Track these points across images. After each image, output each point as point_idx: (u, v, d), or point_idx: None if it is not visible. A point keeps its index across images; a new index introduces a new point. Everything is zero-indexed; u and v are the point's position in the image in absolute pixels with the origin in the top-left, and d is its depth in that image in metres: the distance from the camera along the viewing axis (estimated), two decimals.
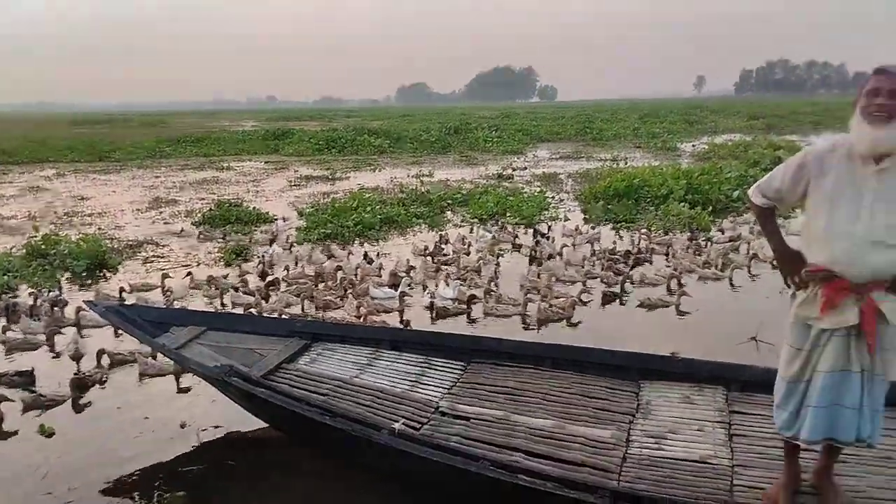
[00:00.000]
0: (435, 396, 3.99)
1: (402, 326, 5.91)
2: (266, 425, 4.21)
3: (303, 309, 6.71)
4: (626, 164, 18.65)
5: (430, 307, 6.71)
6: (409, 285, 7.34)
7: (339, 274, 7.82)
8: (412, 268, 7.96)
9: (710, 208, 11.24)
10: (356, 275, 7.77)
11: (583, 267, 7.90)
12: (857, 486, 3.08)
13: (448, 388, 4.09)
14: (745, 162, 16.22)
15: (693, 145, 24.53)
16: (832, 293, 2.67)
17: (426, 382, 4.15)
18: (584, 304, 6.77)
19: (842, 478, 3.13)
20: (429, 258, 8.61)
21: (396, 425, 3.38)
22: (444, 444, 3.30)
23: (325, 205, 12.29)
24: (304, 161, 23.03)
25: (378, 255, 9.00)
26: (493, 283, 7.38)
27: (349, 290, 7.21)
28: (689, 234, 9.69)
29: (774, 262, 3.09)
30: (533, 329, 6.27)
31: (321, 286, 7.39)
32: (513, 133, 31.09)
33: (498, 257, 8.67)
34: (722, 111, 46.50)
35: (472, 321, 6.56)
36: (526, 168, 19.44)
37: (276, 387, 3.84)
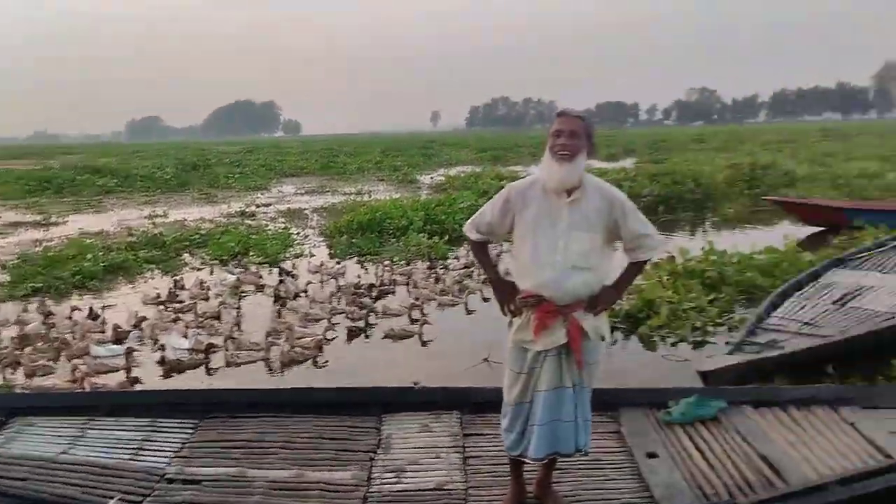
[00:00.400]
0: (161, 463, 3.63)
1: (122, 389, 5.31)
2: None
3: (3, 379, 5.76)
4: (369, 196, 19.09)
5: (161, 361, 6.17)
6: (138, 339, 6.70)
7: (53, 332, 6.89)
8: (143, 318, 7.30)
9: (447, 237, 11.86)
10: (73, 333, 6.91)
11: (329, 303, 7.86)
12: (573, 490, 3.38)
13: (177, 451, 3.76)
14: (475, 192, 17.46)
15: (431, 177, 25.92)
16: (543, 316, 2.95)
17: (150, 448, 3.76)
18: (329, 341, 6.70)
19: (560, 485, 3.41)
20: (162, 307, 7.97)
21: (112, 502, 3.00)
22: None
23: (37, 255, 10.84)
24: (10, 206, 20.17)
25: (103, 308, 8.10)
26: (234, 329, 7.02)
27: (63, 351, 6.37)
28: (428, 263, 10.13)
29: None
30: (279, 374, 6.05)
31: (27, 349, 6.43)
32: (256, 168, 30.38)
33: (239, 300, 8.29)
34: (455, 144, 49.86)
35: (210, 372, 6.15)
36: (270, 204, 19.03)
37: None
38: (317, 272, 9.62)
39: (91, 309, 7.78)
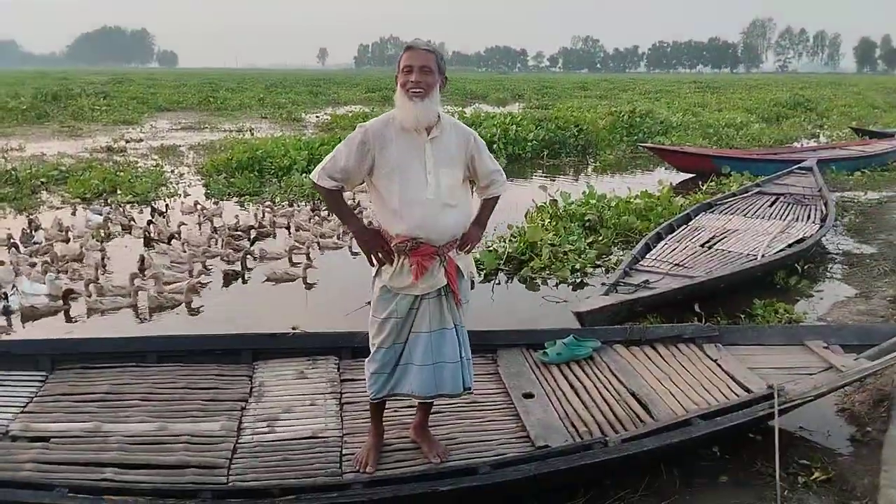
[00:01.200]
0: (3, 419, 3.30)
1: None
2: None
3: None
4: (251, 134, 18.21)
5: (4, 311, 5.61)
6: None
7: None
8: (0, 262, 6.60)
9: None
10: None
11: (206, 246, 7.42)
12: (449, 433, 3.36)
13: (22, 406, 3.42)
14: None
15: (317, 116, 25.05)
16: (421, 259, 2.85)
17: None
18: (203, 286, 6.34)
19: (437, 427, 3.38)
20: (13, 249, 7.25)
21: None
22: (7, 478, 2.72)
23: None
24: None
25: None
26: (98, 273, 6.50)
27: None
28: (311, 205, 9.79)
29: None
30: (148, 321, 5.67)
31: None
32: (126, 101, 28.20)
33: (103, 241, 7.69)
34: (343, 83, 48.41)
35: (71, 320, 5.68)
36: (142, 140, 17.76)
37: None
38: (191, 213, 9.08)
39: None
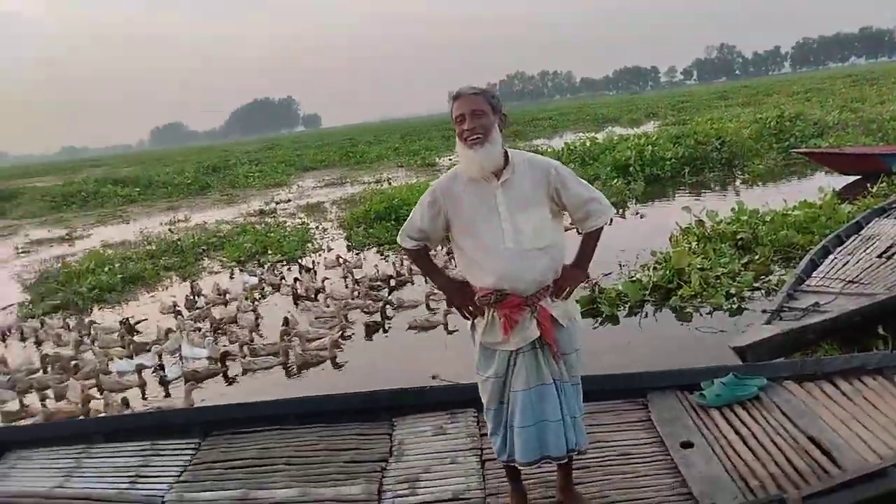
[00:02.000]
0: (161, 489, 3.41)
1: (120, 413, 5.07)
2: None
3: (22, 406, 5.58)
4: (388, 184, 18.82)
5: (161, 381, 5.93)
6: (156, 352, 6.52)
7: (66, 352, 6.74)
8: (170, 330, 7.08)
9: None
10: (90, 349, 6.75)
11: (348, 298, 7.58)
12: (600, 490, 3.07)
13: (177, 476, 3.53)
14: None
15: (450, 159, 25.54)
16: (509, 311, 2.67)
17: (149, 475, 3.53)
18: (345, 340, 6.44)
19: (585, 485, 3.11)
20: (180, 316, 7.79)
21: None
22: None
23: (57, 271, 10.80)
24: (37, 223, 20.38)
25: (126, 321, 7.86)
26: (252, 333, 6.81)
27: (75, 372, 6.20)
28: (446, 249, 9.80)
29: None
30: (296, 378, 5.82)
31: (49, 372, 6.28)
32: (276, 165, 30.28)
33: (254, 302, 8.08)
34: None
35: (230, 381, 5.94)
36: (290, 200, 18.88)
37: None
38: (334, 266, 9.39)
39: (125, 321, 7.56)
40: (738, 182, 13.40)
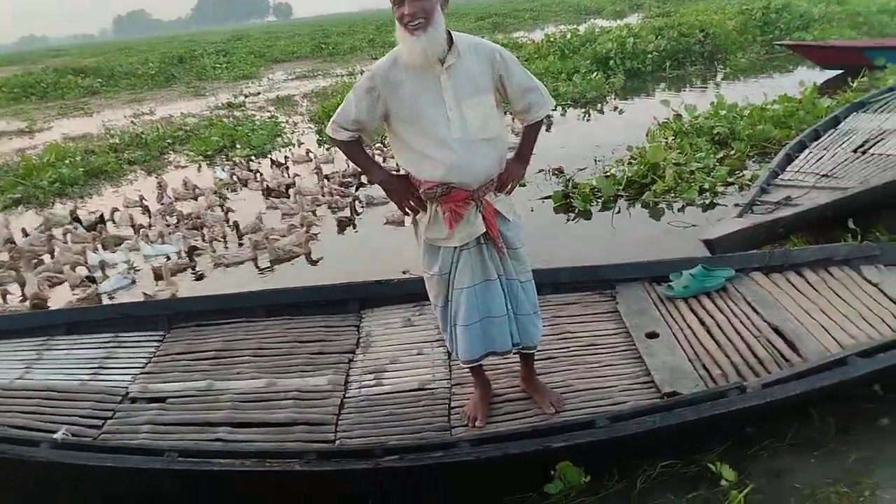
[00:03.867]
0: (124, 381, 3.38)
1: (81, 306, 4.99)
2: None
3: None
4: (361, 76, 18.17)
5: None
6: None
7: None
8: (142, 226, 6.89)
9: None
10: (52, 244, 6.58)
11: (321, 196, 7.40)
12: (564, 380, 3.10)
13: (142, 367, 3.49)
14: None
15: None
16: (454, 206, 2.56)
17: (112, 366, 3.49)
18: (314, 237, 6.31)
19: (550, 375, 3.13)
20: (147, 209, 7.56)
21: (58, 434, 2.75)
22: (121, 444, 2.76)
23: (16, 164, 10.43)
24: None
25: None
26: (223, 228, 6.67)
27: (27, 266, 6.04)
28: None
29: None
30: (267, 273, 5.74)
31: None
32: (244, 56, 28.97)
33: (223, 198, 7.88)
34: (452, 14, 47.29)
35: (198, 277, 5.85)
36: (259, 93, 18.22)
37: None
38: (303, 161, 9.15)
39: (73, 214, 7.41)
40: (719, 76, 13.13)
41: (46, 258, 6.43)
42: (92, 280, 5.73)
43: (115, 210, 7.48)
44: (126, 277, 5.72)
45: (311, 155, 9.26)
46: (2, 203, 8.58)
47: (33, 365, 3.51)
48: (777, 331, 3.20)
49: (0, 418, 3.06)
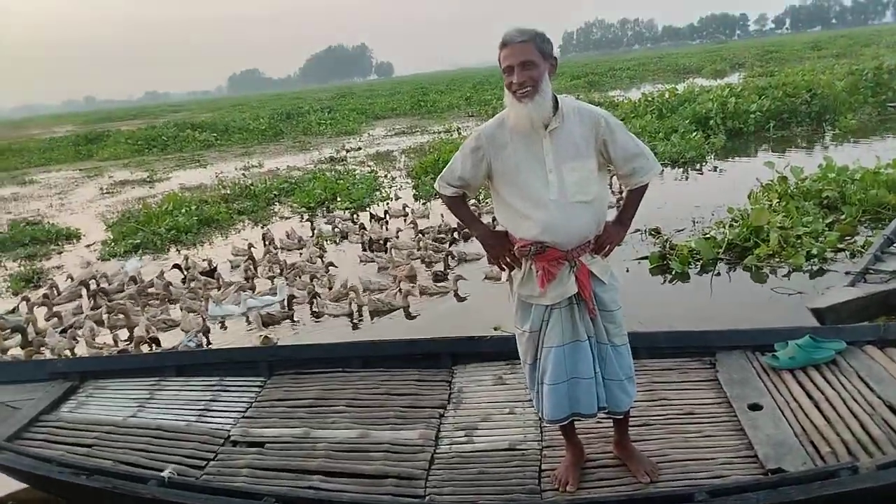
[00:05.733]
0: (226, 424, 3.54)
1: (191, 349, 5.23)
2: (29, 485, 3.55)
3: (115, 342, 5.80)
4: (458, 133, 18.66)
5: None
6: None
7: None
8: (253, 276, 7.21)
9: None
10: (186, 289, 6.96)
11: (416, 250, 7.57)
12: (660, 449, 3.00)
13: (243, 412, 3.65)
14: None
15: None
16: (547, 265, 2.59)
17: (216, 409, 3.67)
18: (411, 291, 6.42)
19: (645, 443, 3.05)
20: (251, 259, 7.94)
21: (165, 473, 2.90)
22: (222, 486, 2.88)
23: (137, 212, 11.24)
24: (120, 165, 21.22)
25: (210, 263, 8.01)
26: (322, 280, 6.89)
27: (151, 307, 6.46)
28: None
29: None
30: (364, 327, 5.87)
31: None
32: (347, 113, 30.42)
33: (321, 249, 8.17)
34: None
35: (295, 325, 6.06)
36: (360, 148, 18.99)
37: (25, 449, 3.23)
38: (399, 216, 9.40)
39: (211, 266, 7.69)
40: (827, 138, 12.66)
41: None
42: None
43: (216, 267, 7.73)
44: (192, 341, 5.54)
45: (407, 209, 9.50)
46: (122, 248, 9.23)
47: (145, 404, 3.74)
48: (892, 409, 3.00)
49: (113, 454, 3.27)
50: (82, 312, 6.55)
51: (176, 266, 7.75)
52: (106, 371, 4.04)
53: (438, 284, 6.37)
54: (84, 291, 7.18)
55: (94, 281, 7.30)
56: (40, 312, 6.58)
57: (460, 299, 6.16)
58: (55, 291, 7.26)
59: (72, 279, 7.78)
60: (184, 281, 7.26)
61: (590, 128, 2.57)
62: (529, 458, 3.07)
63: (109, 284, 7.37)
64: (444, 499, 2.83)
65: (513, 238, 2.68)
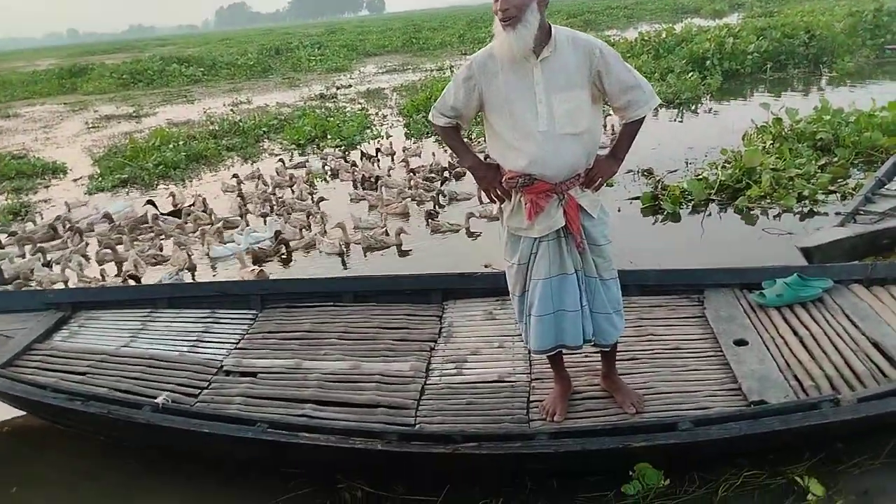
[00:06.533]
0: (219, 354, 3.57)
1: (183, 282, 5.22)
2: (24, 412, 3.59)
3: (103, 276, 5.77)
4: (450, 71, 18.32)
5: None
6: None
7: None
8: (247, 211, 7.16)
9: None
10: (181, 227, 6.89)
11: (407, 188, 7.51)
12: (647, 382, 3.06)
13: (235, 343, 3.68)
14: None
15: None
16: (535, 197, 2.58)
17: (209, 340, 3.70)
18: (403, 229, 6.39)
19: (632, 376, 3.10)
20: (241, 195, 7.87)
21: (160, 399, 2.94)
22: (216, 413, 2.92)
23: (124, 147, 11.07)
24: (106, 99, 20.77)
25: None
26: (314, 217, 6.81)
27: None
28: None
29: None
30: (359, 263, 5.85)
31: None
32: (338, 50, 29.73)
33: (312, 186, 8.10)
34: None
35: (289, 262, 6.02)
36: (350, 85, 18.66)
37: (19, 375, 3.26)
38: (390, 154, 9.30)
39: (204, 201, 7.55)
40: (824, 80, 12.54)
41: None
42: None
43: (191, 204, 7.58)
44: (173, 277, 5.42)
45: (393, 147, 9.38)
46: (110, 182, 9.13)
47: (138, 334, 3.76)
48: (876, 345, 3.06)
49: (107, 382, 3.31)
50: (67, 247, 6.48)
51: (149, 202, 7.61)
52: (98, 302, 4.03)
53: (450, 223, 6.32)
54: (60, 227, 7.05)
55: (59, 223, 7.11)
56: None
57: (471, 235, 6.11)
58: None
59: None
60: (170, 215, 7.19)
61: (584, 57, 2.52)
62: (518, 389, 3.13)
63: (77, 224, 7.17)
64: (433, 427, 2.89)
65: (503, 170, 2.66)
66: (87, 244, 6.57)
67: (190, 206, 7.45)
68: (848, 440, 2.76)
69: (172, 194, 7.91)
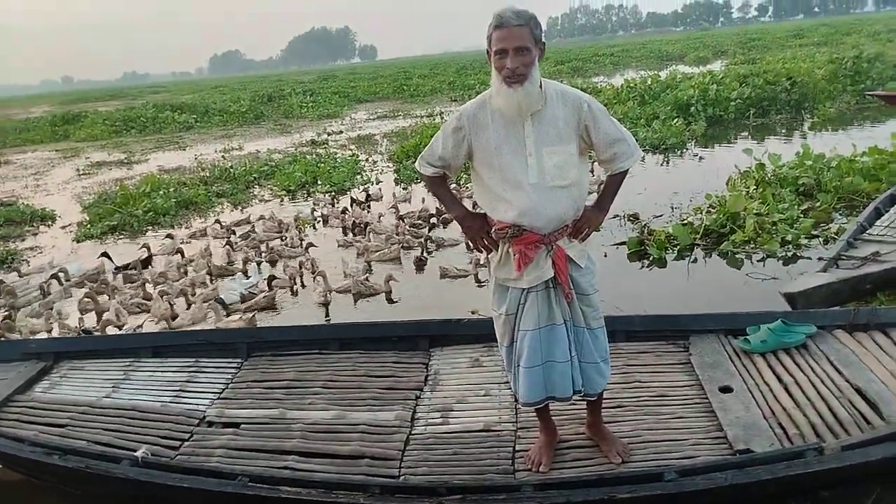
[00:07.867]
0: (202, 405, 3.53)
1: (167, 330, 5.20)
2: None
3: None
4: (440, 118, 18.57)
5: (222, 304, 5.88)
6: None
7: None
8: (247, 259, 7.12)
9: None
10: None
11: (395, 234, 7.54)
12: (633, 430, 3.04)
13: (219, 393, 3.64)
14: None
15: None
16: (524, 248, 2.59)
17: (192, 390, 3.67)
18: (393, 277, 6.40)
19: (618, 424, 3.09)
20: (230, 243, 7.88)
21: (139, 453, 2.89)
22: (196, 466, 2.88)
23: (115, 193, 11.10)
24: (98, 146, 20.89)
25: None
26: (306, 264, 6.80)
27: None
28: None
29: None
30: (347, 310, 5.82)
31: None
32: (329, 96, 30.16)
33: (301, 232, 8.12)
34: None
35: (277, 310, 6.00)
36: (342, 132, 18.85)
37: None
38: (379, 199, 9.36)
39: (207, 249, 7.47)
40: (806, 126, 12.77)
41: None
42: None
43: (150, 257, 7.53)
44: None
45: (381, 193, 9.43)
46: (98, 229, 9.12)
47: (120, 385, 3.73)
48: (860, 392, 3.06)
49: (88, 434, 3.26)
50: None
51: (104, 254, 7.40)
52: (80, 351, 4.01)
53: (458, 268, 6.29)
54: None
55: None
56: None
57: (480, 283, 6.01)
58: None
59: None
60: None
61: (572, 111, 2.56)
62: (504, 439, 3.10)
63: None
64: (418, 479, 2.86)
65: (491, 220, 2.68)
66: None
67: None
68: (833, 489, 2.73)
69: (146, 246, 7.74)
